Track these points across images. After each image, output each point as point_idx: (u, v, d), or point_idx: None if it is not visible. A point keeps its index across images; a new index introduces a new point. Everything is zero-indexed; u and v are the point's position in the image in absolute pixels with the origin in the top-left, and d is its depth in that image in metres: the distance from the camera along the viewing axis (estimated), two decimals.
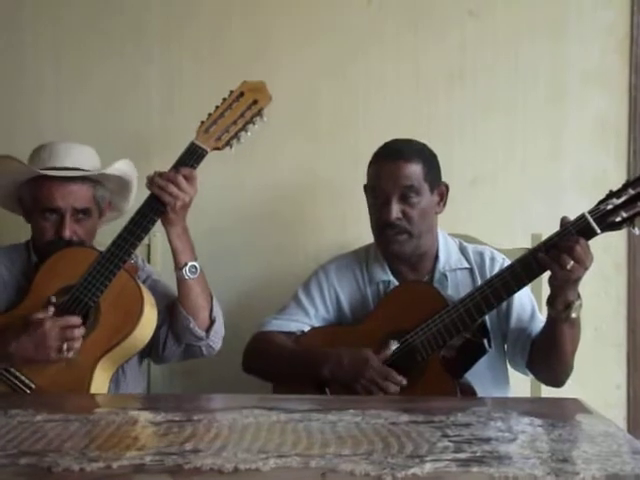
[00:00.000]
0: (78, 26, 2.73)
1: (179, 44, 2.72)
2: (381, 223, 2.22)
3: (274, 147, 2.66)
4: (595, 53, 2.69)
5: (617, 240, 2.62)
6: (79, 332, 2.03)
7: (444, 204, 2.29)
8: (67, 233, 2.17)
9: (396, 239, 2.21)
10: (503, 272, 2.05)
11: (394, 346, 2.09)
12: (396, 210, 2.19)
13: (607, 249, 2.57)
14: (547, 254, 1.95)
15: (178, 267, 2.15)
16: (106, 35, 2.73)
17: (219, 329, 2.23)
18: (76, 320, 2.03)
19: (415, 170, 2.21)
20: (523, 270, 2.01)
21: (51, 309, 2.04)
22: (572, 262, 1.91)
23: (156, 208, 2.07)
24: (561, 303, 1.99)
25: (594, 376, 2.58)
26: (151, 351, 2.27)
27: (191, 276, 2.14)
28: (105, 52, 2.73)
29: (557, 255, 1.93)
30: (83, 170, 2.21)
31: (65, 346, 2.00)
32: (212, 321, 2.20)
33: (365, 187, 2.31)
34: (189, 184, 2.07)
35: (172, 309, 2.19)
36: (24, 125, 2.72)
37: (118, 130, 2.69)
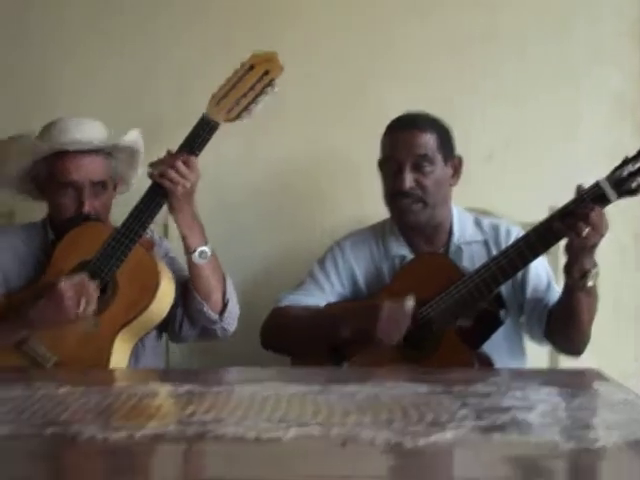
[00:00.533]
0: (90, 17, 2.73)
1: (191, 21, 2.72)
2: (395, 192, 2.22)
3: (289, 121, 2.65)
4: (607, 33, 2.68)
5: (635, 210, 2.60)
6: (93, 286, 2.05)
7: (458, 177, 2.30)
8: (87, 208, 2.18)
9: (410, 208, 2.21)
10: (518, 242, 2.05)
11: (411, 301, 2.07)
12: (410, 179, 2.19)
13: (625, 219, 2.56)
14: (563, 222, 1.95)
15: (187, 252, 2.15)
16: (117, 28, 2.73)
17: (233, 310, 2.23)
18: (86, 277, 2.05)
19: (429, 139, 2.21)
20: (538, 239, 2.01)
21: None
22: (588, 229, 1.91)
23: (160, 192, 2.08)
24: (578, 271, 1.98)
25: (612, 347, 2.57)
26: (168, 329, 2.29)
27: (201, 261, 2.15)
28: (116, 45, 2.73)
29: (573, 222, 1.93)
30: (97, 142, 2.21)
31: (83, 302, 2.02)
32: (225, 303, 2.20)
33: (379, 162, 2.32)
34: (189, 170, 2.07)
35: (186, 290, 2.20)
36: (40, 115, 2.71)
37: (131, 117, 2.69)
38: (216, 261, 2.19)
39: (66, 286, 2.02)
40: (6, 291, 2.19)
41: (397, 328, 2.06)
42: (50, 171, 2.21)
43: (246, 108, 2.12)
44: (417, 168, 2.20)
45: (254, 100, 2.12)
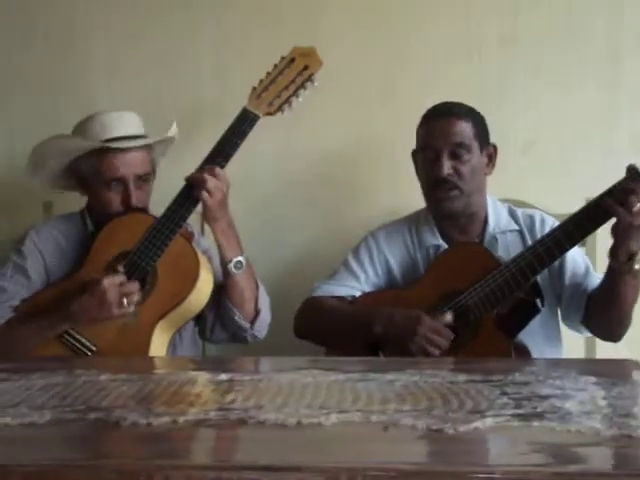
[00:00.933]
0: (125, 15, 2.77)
1: (229, 11, 2.73)
2: (432, 179, 2.23)
3: (324, 112, 2.66)
4: None
5: None
6: (135, 285, 2.08)
7: (493, 166, 2.30)
8: (134, 201, 2.20)
9: (447, 195, 2.21)
10: (555, 230, 2.06)
11: (449, 316, 2.10)
12: (447, 166, 2.20)
13: None
14: (612, 198, 1.94)
15: (223, 262, 2.17)
16: (155, 5, 2.75)
17: (264, 319, 2.25)
18: (124, 277, 2.08)
19: (465, 127, 2.22)
20: (576, 227, 2.01)
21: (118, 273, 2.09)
22: (639, 204, 1.89)
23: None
24: (624, 253, 1.97)
25: None
26: (199, 329, 2.31)
27: (236, 272, 2.16)
28: (155, 21, 2.75)
29: (623, 197, 1.91)
30: (142, 137, 2.25)
31: (125, 301, 2.05)
32: (257, 312, 2.22)
33: (413, 152, 2.32)
34: (218, 180, 2.08)
35: (219, 296, 2.21)
36: (74, 96, 2.75)
37: (169, 98, 2.72)
38: (250, 270, 2.21)
39: (109, 283, 2.05)
40: (47, 283, 2.23)
41: (433, 345, 2.06)
42: (96, 168, 2.22)
43: (287, 101, 2.15)
44: (454, 156, 2.21)
45: (294, 93, 2.15)
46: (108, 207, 2.23)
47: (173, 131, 2.30)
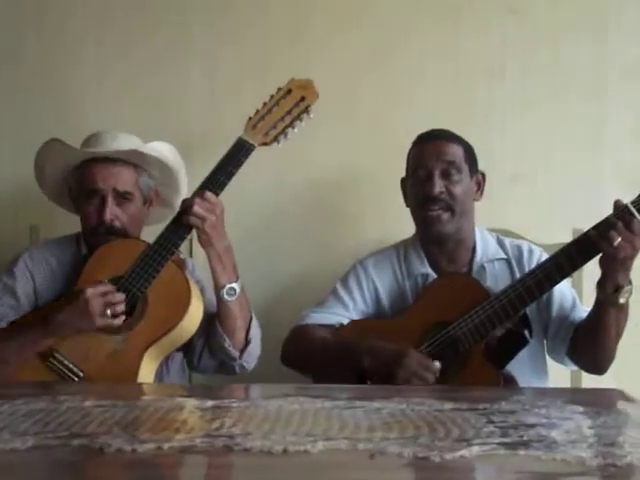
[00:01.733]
0: (118, 15, 2.77)
1: (219, 31, 2.75)
2: (424, 198, 2.24)
3: (313, 142, 2.67)
4: (635, 48, 2.69)
5: None
6: (120, 296, 2.06)
7: (481, 193, 2.33)
8: (107, 216, 2.19)
9: (439, 217, 2.23)
10: (545, 262, 2.07)
11: (438, 364, 2.08)
12: (440, 185, 2.22)
13: None
14: (596, 230, 1.97)
15: (216, 288, 2.16)
16: (147, 23, 2.77)
17: (254, 350, 2.23)
18: (111, 287, 2.06)
19: (457, 150, 2.26)
20: (566, 259, 2.02)
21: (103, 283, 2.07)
22: (619, 239, 1.92)
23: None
24: (611, 286, 1.99)
25: (635, 372, 2.55)
26: (187, 358, 2.30)
27: (229, 298, 2.15)
28: (146, 40, 2.76)
29: (605, 231, 1.94)
30: (122, 151, 2.22)
31: (108, 311, 2.03)
32: (248, 342, 2.20)
33: (402, 180, 2.35)
34: (210, 204, 2.08)
35: (210, 324, 2.20)
36: (62, 114, 2.75)
37: (160, 120, 2.73)
38: (244, 298, 2.19)
39: (92, 293, 2.03)
40: (35, 306, 2.22)
41: (421, 380, 2.05)
42: (79, 179, 2.24)
43: (283, 132, 2.16)
44: (446, 175, 2.23)
45: (291, 124, 2.16)
46: (87, 221, 2.23)
47: (153, 147, 2.26)
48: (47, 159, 2.29)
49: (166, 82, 2.76)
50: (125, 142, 2.26)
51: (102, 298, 2.04)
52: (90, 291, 2.03)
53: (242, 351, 2.20)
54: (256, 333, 2.24)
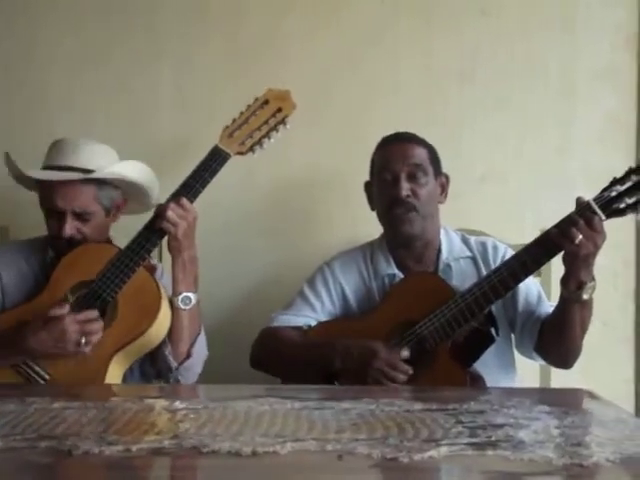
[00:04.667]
0: (89, 22, 2.76)
1: (190, 39, 2.74)
2: (391, 201, 2.25)
3: (285, 143, 2.63)
4: (604, 51, 2.72)
5: (626, 236, 2.67)
6: (98, 326, 2.04)
7: (445, 195, 2.34)
8: (66, 232, 2.15)
9: (406, 217, 2.23)
10: (510, 260, 2.08)
11: (406, 352, 2.10)
12: (406, 187, 2.23)
13: (616, 245, 2.57)
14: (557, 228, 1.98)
15: (173, 294, 2.14)
16: (117, 31, 2.75)
17: (193, 366, 2.20)
18: (94, 314, 2.04)
19: (422, 152, 2.28)
20: (530, 257, 2.03)
21: (66, 306, 2.04)
22: (580, 236, 1.93)
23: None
24: (574, 282, 2.01)
25: (602, 370, 2.60)
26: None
27: (182, 306, 2.14)
28: (116, 47, 2.75)
29: (566, 229, 1.95)
30: (79, 171, 2.16)
31: (83, 340, 2.01)
32: (188, 356, 2.18)
33: (366, 184, 2.36)
34: (183, 211, 2.07)
35: None
36: (30, 126, 2.73)
37: (130, 128, 2.72)
38: (197, 312, 2.18)
39: (70, 322, 2.01)
40: (2, 305, 2.19)
41: (389, 379, 2.06)
42: (40, 194, 2.22)
43: (259, 142, 2.16)
44: (412, 178, 2.24)
45: (267, 134, 2.16)
46: (50, 231, 2.21)
47: (113, 171, 2.19)
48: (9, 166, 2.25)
49: (136, 91, 2.75)
50: (87, 153, 2.19)
51: (79, 326, 2.02)
52: (68, 320, 2.01)
53: (181, 363, 2.18)
54: (201, 351, 2.21)
